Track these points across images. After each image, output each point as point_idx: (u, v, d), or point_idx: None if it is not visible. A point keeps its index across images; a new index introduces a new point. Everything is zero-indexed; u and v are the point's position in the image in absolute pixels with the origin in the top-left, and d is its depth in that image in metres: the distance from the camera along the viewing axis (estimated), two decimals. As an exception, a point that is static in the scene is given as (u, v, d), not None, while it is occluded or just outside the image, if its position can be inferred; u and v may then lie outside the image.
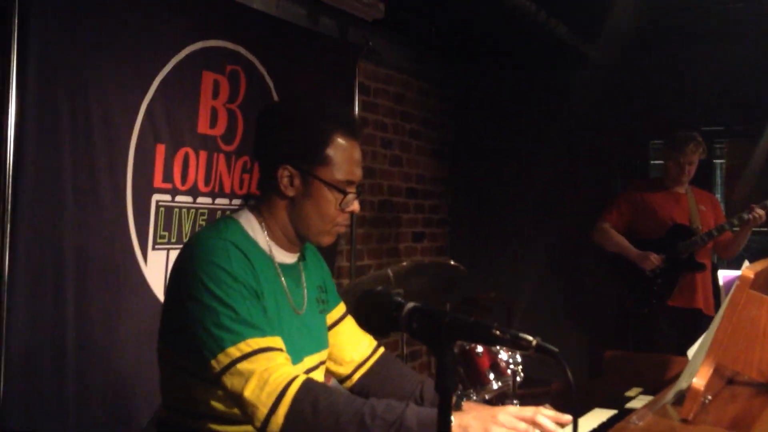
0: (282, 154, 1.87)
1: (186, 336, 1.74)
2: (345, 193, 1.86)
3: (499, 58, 6.16)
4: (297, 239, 1.94)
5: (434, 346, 1.13)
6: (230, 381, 1.67)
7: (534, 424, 1.60)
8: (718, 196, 5.74)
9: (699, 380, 1.45)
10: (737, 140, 5.97)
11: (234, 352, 1.67)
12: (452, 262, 3.98)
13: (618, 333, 5.50)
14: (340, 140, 1.86)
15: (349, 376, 2.14)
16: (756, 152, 5.62)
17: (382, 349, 2.20)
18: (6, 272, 2.76)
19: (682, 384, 1.68)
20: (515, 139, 6.28)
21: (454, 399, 1.97)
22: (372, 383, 2.13)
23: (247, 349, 1.67)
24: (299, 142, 1.86)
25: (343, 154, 1.86)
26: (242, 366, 1.66)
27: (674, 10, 4.85)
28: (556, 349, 1.10)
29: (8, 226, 2.77)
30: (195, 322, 1.71)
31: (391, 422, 1.58)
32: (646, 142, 6.03)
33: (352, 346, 2.15)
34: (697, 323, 4.50)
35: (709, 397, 1.59)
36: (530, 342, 1.09)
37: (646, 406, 1.69)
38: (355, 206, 1.91)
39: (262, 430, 1.65)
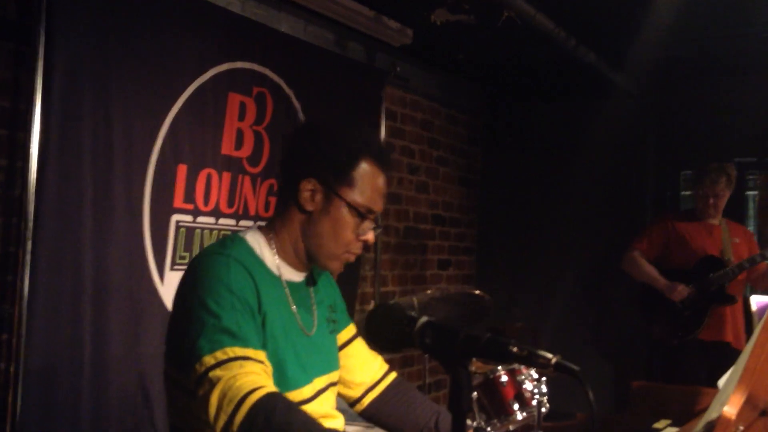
0: (309, 167, 1.84)
1: (177, 350, 1.71)
2: (363, 218, 1.83)
3: (528, 87, 6.13)
4: (306, 258, 1.90)
5: (448, 364, 1.08)
6: (202, 389, 1.62)
7: None
8: (751, 228, 5.62)
9: (730, 409, 1.38)
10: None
11: (209, 360, 1.62)
12: (477, 292, 3.92)
13: (646, 365, 5.39)
14: (368, 166, 1.84)
15: (359, 400, 2.09)
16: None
17: (394, 374, 2.15)
18: (26, 289, 2.75)
19: (712, 414, 1.61)
20: (544, 168, 6.21)
21: None
22: (383, 409, 2.08)
23: (223, 357, 1.62)
24: (328, 157, 1.83)
25: (369, 180, 1.84)
26: (213, 373, 1.61)
27: (706, 39, 4.79)
28: (576, 368, 1.05)
29: (29, 243, 2.77)
30: (183, 335, 1.68)
31: None
32: (677, 173, 5.94)
33: (363, 369, 2.10)
34: (726, 357, 4.38)
35: (741, 428, 1.51)
36: (549, 360, 1.04)
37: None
38: (370, 236, 1.87)
39: None
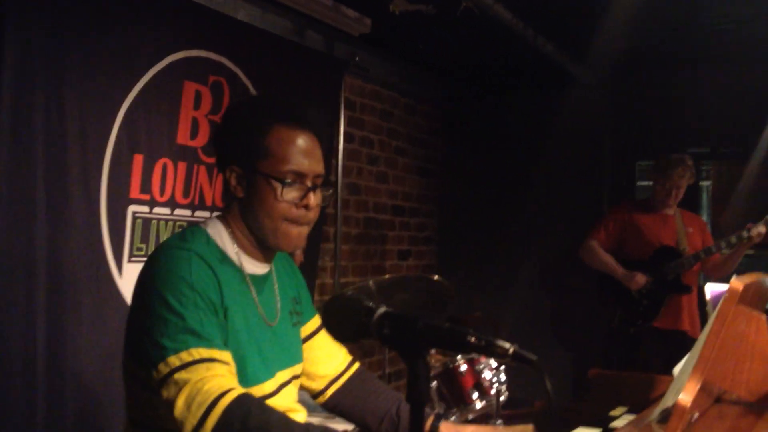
0: (227, 155, 1.82)
1: (139, 347, 1.67)
2: (282, 182, 1.75)
3: (487, 77, 6.14)
4: (259, 245, 1.85)
5: (406, 354, 1.07)
6: (166, 391, 1.58)
7: None
8: (705, 218, 5.71)
9: (685, 396, 1.39)
10: (724, 163, 5.97)
11: (174, 361, 1.59)
12: (436, 277, 3.91)
13: (603, 353, 5.44)
14: (281, 129, 1.78)
15: (322, 392, 2.07)
16: (743, 175, 5.62)
17: (357, 365, 2.13)
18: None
19: (667, 401, 1.62)
20: (503, 158, 6.24)
21: (431, 420, 1.92)
22: (346, 400, 2.06)
23: (188, 359, 1.59)
24: (238, 138, 1.80)
25: (285, 144, 1.77)
26: (179, 375, 1.58)
27: (662, 31, 4.85)
28: (534, 357, 1.04)
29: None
30: (145, 332, 1.64)
31: None
32: (632, 163, 6.01)
33: (326, 361, 2.07)
34: (683, 345, 4.45)
35: (696, 415, 1.53)
36: (506, 349, 1.03)
37: (630, 424, 1.63)
38: (310, 199, 1.79)
39: None
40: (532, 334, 5.78)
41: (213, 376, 1.58)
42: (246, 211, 1.81)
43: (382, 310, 1.13)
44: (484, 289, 6.06)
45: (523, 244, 6.08)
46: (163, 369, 1.59)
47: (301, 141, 1.79)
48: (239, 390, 1.59)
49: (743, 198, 5.60)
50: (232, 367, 1.66)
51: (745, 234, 4.30)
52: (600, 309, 4.84)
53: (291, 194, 1.77)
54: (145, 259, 3.25)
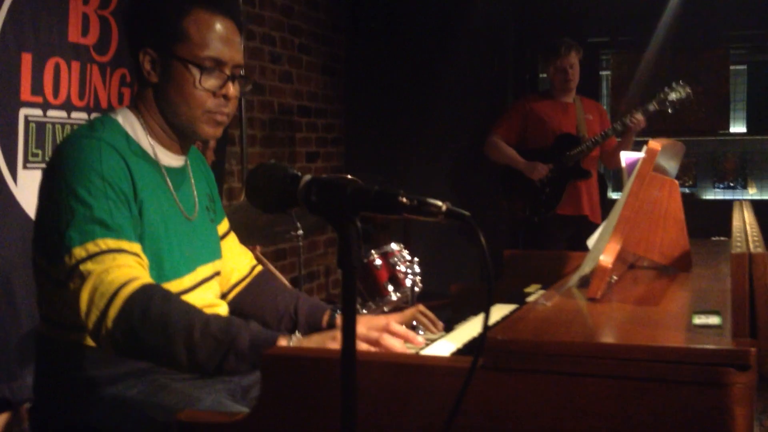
0: (140, 37, 1.73)
1: (46, 240, 1.60)
2: (202, 68, 1.69)
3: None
4: (176, 135, 1.79)
5: (336, 221, 1.04)
6: (72, 283, 1.52)
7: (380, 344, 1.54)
8: (606, 107, 5.83)
9: (606, 257, 1.42)
10: (622, 51, 6.08)
11: (80, 252, 1.52)
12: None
13: (510, 244, 5.58)
14: (200, 13, 1.71)
15: (225, 295, 2.05)
16: (641, 63, 5.75)
17: (259, 267, 2.13)
18: None
19: (585, 269, 1.66)
20: (408, 55, 6.16)
21: (328, 313, 1.92)
22: (245, 301, 2.06)
23: (95, 250, 1.53)
24: (154, 19, 1.71)
25: (203, 28, 1.70)
26: (84, 266, 1.51)
27: None
28: (467, 213, 1.03)
29: None
30: (52, 224, 1.57)
31: (221, 341, 1.47)
32: (534, 55, 6.05)
33: (231, 266, 2.06)
34: (584, 229, 4.60)
35: (615, 278, 1.57)
36: (439, 207, 1.01)
37: (550, 289, 1.67)
38: (230, 89, 1.74)
39: (94, 335, 1.52)
40: (441, 229, 5.87)
41: (118, 266, 1.52)
42: (160, 98, 1.74)
43: (308, 177, 1.09)
44: (393, 188, 6.07)
45: (430, 141, 6.09)
46: (68, 261, 1.52)
47: (221, 27, 1.72)
48: (145, 279, 1.54)
49: (641, 86, 5.75)
50: (142, 260, 1.61)
51: (627, 120, 4.43)
52: (504, 201, 4.92)
53: (209, 82, 1.71)
54: (41, 165, 3.13)
